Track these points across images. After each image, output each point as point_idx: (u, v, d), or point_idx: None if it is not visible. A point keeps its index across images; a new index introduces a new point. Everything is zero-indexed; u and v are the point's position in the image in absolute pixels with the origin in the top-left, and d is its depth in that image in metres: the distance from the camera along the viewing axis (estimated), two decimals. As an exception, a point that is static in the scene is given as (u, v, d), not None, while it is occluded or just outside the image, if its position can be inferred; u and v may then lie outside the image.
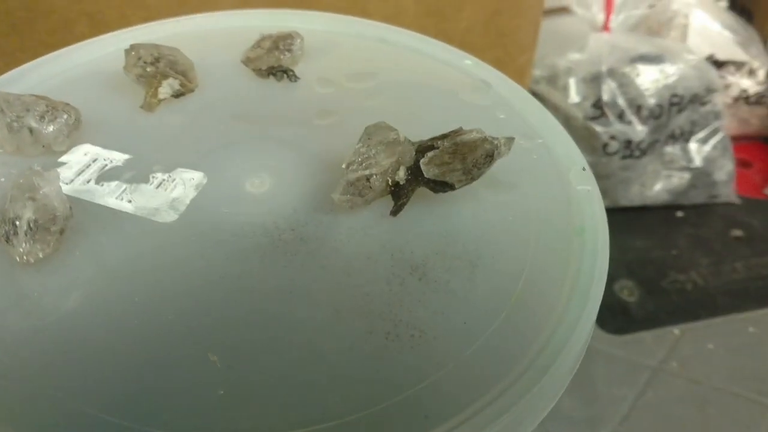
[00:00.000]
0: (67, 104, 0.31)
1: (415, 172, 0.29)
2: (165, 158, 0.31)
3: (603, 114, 0.65)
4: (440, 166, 0.29)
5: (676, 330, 0.64)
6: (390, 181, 0.29)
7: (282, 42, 0.37)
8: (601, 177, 0.67)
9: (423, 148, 0.29)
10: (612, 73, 0.65)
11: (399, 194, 0.29)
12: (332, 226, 0.29)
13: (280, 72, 0.36)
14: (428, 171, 0.29)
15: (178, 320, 0.25)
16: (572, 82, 0.66)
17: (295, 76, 0.36)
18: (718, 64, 0.73)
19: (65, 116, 0.30)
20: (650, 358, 0.62)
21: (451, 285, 0.27)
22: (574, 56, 0.67)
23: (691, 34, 0.75)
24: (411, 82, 0.37)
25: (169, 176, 0.30)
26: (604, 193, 0.69)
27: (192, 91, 0.35)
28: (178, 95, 0.34)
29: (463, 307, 0.26)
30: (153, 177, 0.30)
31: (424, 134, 0.30)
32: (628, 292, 0.65)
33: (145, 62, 0.34)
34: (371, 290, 0.27)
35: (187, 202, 0.29)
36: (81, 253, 0.27)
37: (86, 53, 0.37)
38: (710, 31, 0.78)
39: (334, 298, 0.26)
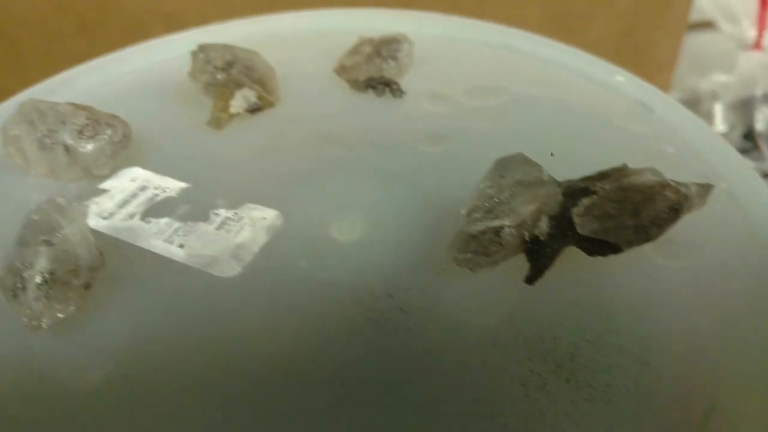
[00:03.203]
0: (115, 116, 0.25)
1: (561, 223, 0.21)
2: (231, 190, 0.24)
3: (756, 147, 0.55)
4: (601, 219, 0.20)
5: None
6: (527, 234, 0.21)
7: (385, 47, 0.29)
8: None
9: (573, 192, 0.21)
10: None
11: (538, 254, 0.21)
12: (443, 294, 0.21)
13: (381, 85, 0.29)
14: (584, 226, 0.20)
15: (223, 417, 0.18)
16: (718, 109, 0.56)
17: (400, 91, 0.29)
18: None
19: (109, 132, 0.24)
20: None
21: (612, 392, 0.19)
22: (720, 78, 0.58)
23: None
24: (546, 101, 0.29)
25: (235, 214, 0.24)
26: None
27: (272, 105, 0.28)
28: (253, 110, 0.27)
29: (633, 428, 0.18)
30: (214, 214, 0.24)
31: (567, 172, 0.22)
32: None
33: (215, 67, 0.27)
34: (498, 393, 0.19)
35: (255, 250, 0.22)
36: (112, 315, 0.20)
37: (146, 56, 0.31)
38: None
39: (447, 402, 0.19)
